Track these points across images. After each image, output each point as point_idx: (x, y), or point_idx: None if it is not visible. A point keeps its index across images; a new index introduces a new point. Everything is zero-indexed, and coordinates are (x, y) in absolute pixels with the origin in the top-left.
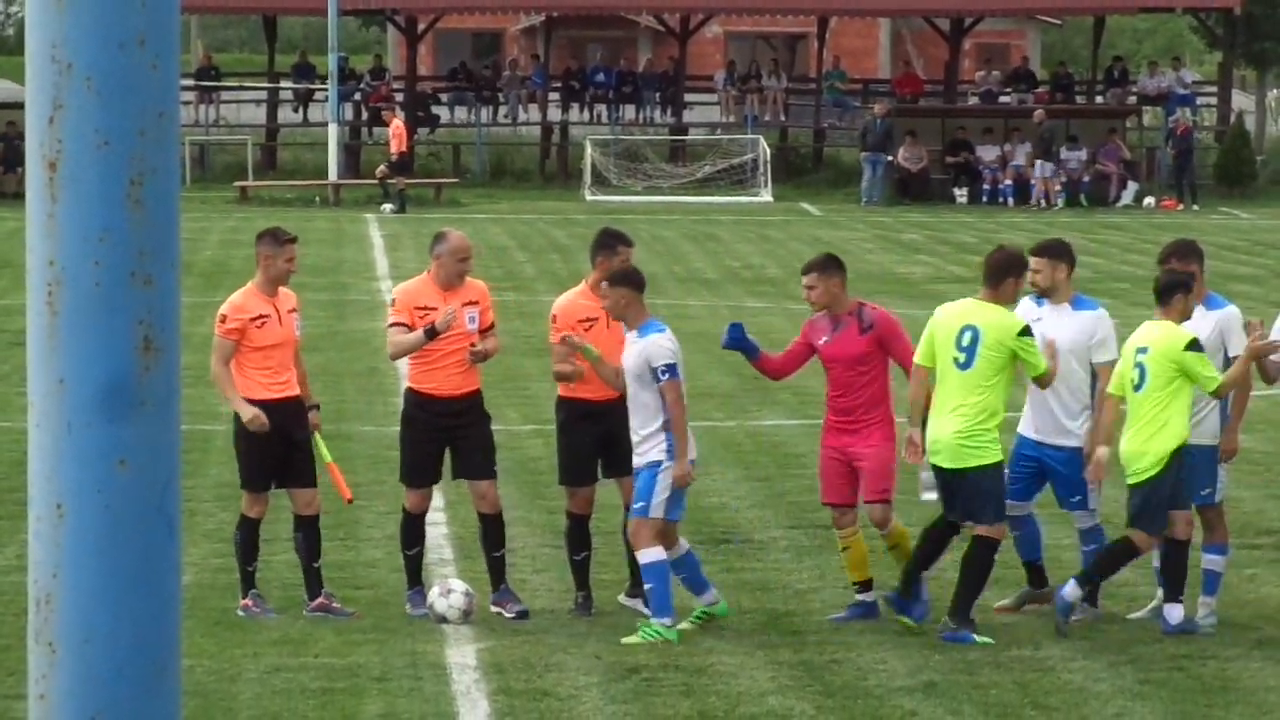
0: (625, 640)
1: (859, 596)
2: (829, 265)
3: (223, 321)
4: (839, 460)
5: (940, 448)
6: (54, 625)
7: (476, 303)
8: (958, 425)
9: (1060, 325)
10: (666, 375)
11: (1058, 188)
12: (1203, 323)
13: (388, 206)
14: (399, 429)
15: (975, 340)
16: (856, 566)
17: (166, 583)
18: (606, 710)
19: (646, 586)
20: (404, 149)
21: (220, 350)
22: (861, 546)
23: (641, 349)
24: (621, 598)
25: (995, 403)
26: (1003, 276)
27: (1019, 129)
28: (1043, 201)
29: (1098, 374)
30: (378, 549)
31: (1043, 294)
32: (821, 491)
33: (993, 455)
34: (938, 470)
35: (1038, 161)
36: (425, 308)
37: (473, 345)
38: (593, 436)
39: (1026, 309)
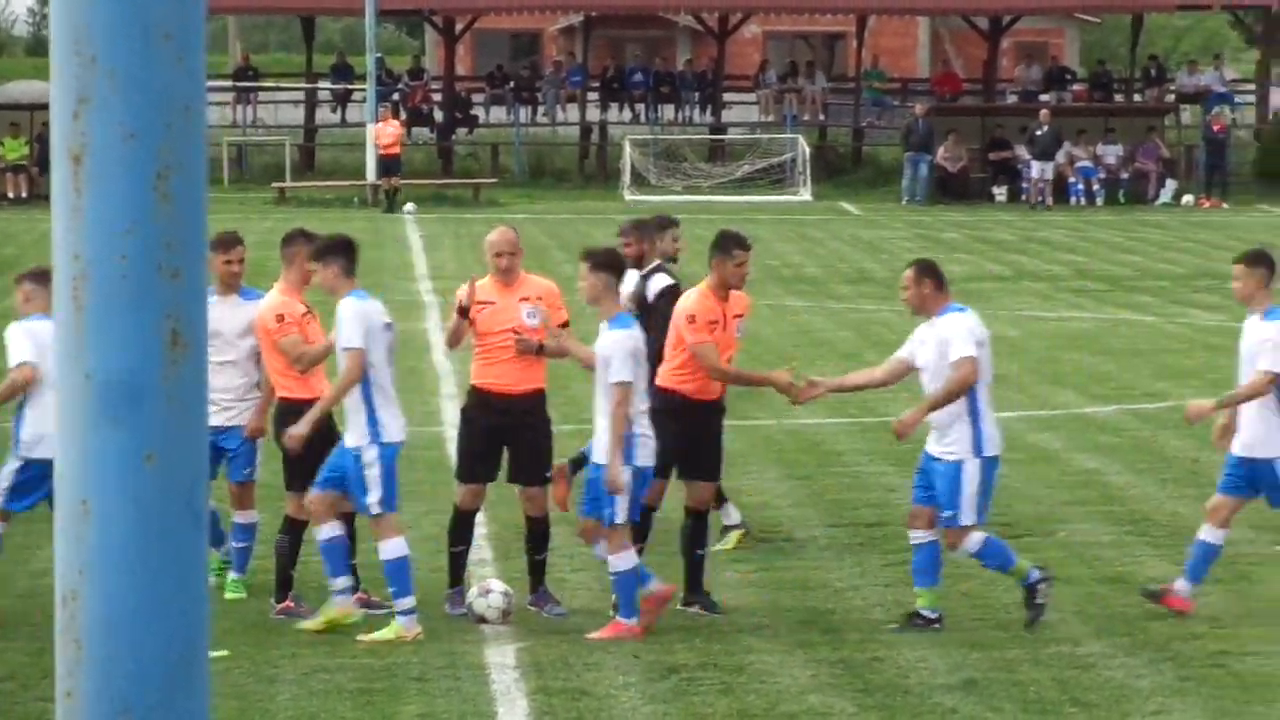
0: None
1: None
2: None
3: (281, 320)
4: None
5: None
6: (80, 622)
7: (539, 299)
8: None
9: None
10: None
11: (1086, 184)
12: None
13: (409, 206)
14: (459, 425)
15: None
16: None
17: (193, 579)
18: (645, 709)
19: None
20: (394, 150)
21: (295, 348)
22: None
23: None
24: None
25: None
26: None
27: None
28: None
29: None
30: (414, 549)
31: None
32: None
33: None
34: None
35: (1033, 162)
36: (484, 302)
37: (517, 333)
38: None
39: None
